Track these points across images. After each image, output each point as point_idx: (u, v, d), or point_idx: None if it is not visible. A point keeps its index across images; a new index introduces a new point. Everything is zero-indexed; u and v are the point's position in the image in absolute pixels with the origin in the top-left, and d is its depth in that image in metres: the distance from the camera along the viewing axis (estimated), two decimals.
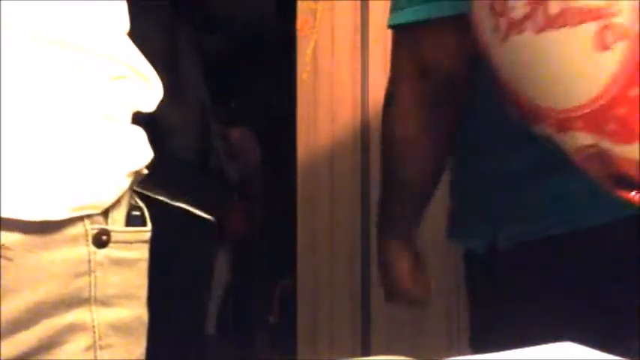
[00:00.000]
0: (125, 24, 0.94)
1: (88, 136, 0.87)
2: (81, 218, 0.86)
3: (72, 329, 0.87)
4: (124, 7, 0.94)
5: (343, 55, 2.47)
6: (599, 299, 1.32)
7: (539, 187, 1.33)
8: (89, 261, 0.87)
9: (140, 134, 0.93)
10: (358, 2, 2.54)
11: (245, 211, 3.44)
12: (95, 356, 0.88)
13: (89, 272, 0.87)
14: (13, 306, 0.84)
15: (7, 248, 0.83)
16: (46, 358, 0.86)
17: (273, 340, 3.60)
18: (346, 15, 2.48)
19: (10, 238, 0.83)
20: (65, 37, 0.86)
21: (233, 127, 2.91)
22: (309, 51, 2.52)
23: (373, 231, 2.64)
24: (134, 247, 0.91)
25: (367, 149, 2.59)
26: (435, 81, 1.30)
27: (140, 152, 0.93)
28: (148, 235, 0.93)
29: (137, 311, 0.93)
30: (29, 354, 0.85)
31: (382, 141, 1.41)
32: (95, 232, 0.87)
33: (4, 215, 0.82)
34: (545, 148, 1.31)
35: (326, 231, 2.64)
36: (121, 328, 0.90)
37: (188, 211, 1.55)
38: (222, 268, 3.41)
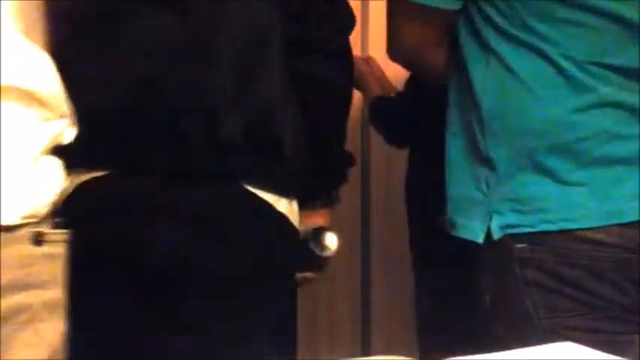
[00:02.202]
0: (46, 56, 1.20)
1: (24, 173, 1.17)
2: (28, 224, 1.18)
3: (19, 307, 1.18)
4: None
5: None
6: (595, 302, 1.33)
7: (536, 180, 1.33)
8: (30, 255, 1.19)
9: (57, 165, 1.23)
10: (358, 2, 2.54)
11: None
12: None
13: (30, 264, 1.18)
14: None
15: None
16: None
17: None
18: None
19: None
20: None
21: None
22: None
23: (373, 231, 2.65)
24: (61, 246, 1.23)
25: (367, 149, 2.59)
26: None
27: (57, 179, 1.23)
28: (67, 236, 1.24)
29: (58, 292, 1.22)
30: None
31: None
32: (33, 234, 1.19)
33: None
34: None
35: None
36: (50, 305, 1.21)
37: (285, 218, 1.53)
38: None
